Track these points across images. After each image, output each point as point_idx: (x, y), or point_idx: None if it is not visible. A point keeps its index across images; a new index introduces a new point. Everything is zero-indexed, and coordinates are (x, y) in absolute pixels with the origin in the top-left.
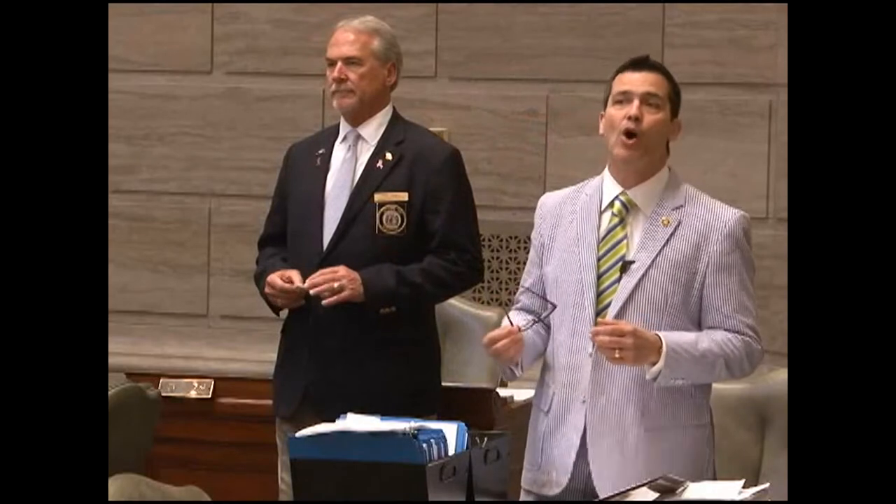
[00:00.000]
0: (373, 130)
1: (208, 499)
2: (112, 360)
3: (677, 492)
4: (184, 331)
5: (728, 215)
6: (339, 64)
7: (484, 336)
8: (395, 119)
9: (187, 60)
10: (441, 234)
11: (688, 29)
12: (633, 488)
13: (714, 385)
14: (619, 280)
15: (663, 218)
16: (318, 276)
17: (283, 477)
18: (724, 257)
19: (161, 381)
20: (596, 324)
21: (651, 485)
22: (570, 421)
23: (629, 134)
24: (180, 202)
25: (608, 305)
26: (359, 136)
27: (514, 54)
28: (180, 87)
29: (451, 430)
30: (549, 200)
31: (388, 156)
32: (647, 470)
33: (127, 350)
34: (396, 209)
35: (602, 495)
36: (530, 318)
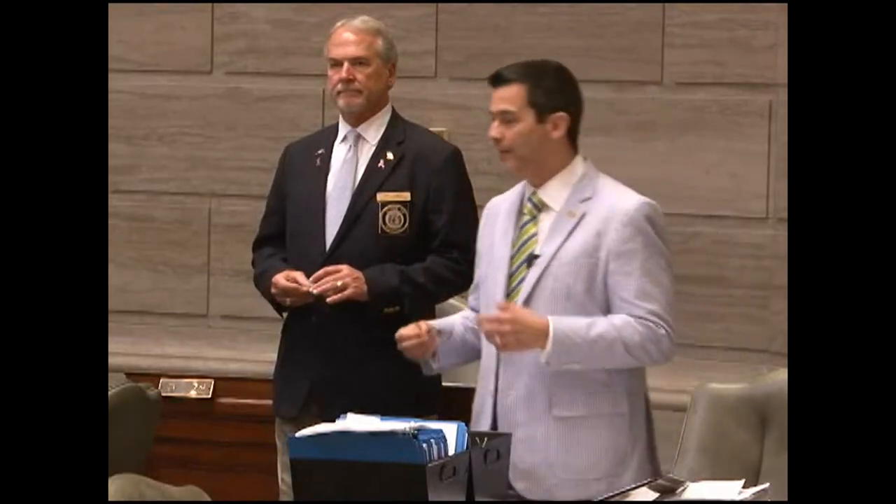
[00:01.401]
0: (374, 130)
1: (208, 499)
2: (112, 360)
3: (677, 492)
4: (184, 331)
5: (628, 203)
6: (347, 64)
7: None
8: (395, 119)
9: (187, 60)
10: (443, 234)
11: (688, 29)
12: (633, 488)
13: (714, 385)
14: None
15: (570, 211)
16: (321, 274)
17: (284, 478)
18: (624, 245)
19: (161, 381)
20: (499, 356)
21: (651, 485)
22: (483, 415)
23: (499, 149)
24: (180, 202)
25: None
26: (359, 136)
27: (514, 54)
28: (180, 87)
29: (451, 430)
30: (491, 203)
31: (390, 155)
32: (562, 460)
33: (127, 350)
34: (399, 209)
35: (518, 487)
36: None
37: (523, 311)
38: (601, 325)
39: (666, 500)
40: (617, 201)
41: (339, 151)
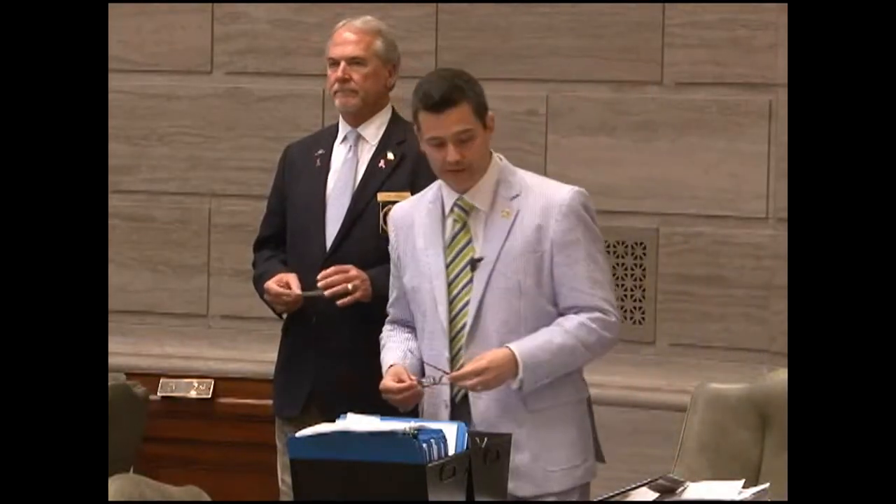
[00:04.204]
0: (374, 130)
1: (208, 499)
2: (112, 360)
3: (677, 492)
4: (184, 331)
5: (563, 193)
6: (343, 64)
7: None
8: (396, 119)
9: (187, 60)
10: None
11: (688, 29)
12: (633, 488)
13: (714, 385)
14: (472, 280)
15: (503, 210)
16: (331, 273)
17: (284, 478)
18: (567, 235)
19: (161, 381)
20: (453, 361)
21: (651, 485)
22: (440, 419)
23: (457, 170)
24: (180, 202)
25: (464, 307)
26: (359, 137)
27: (514, 54)
28: (180, 87)
29: (451, 430)
30: (397, 212)
31: (390, 156)
32: (546, 453)
33: (127, 350)
34: None
35: (508, 486)
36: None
37: (488, 353)
38: (558, 336)
39: (666, 500)
40: (550, 193)
41: (340, 152)
